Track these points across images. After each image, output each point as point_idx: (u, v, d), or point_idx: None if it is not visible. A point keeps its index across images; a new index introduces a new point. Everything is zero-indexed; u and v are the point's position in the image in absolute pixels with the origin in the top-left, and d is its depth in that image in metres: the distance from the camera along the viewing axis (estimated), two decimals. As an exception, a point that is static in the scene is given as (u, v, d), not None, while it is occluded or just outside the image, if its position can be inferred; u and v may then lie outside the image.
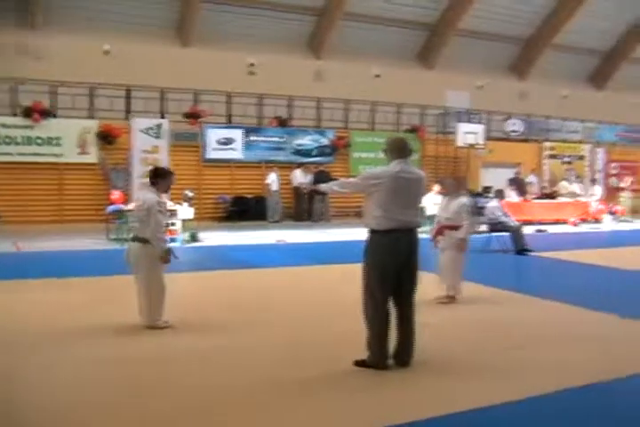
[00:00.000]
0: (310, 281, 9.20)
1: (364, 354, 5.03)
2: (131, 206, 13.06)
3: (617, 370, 4.97)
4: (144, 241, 6.10)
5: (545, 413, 4.21)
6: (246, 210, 18.41)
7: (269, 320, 6.59)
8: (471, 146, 20.82)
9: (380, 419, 4.02)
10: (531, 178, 22.25)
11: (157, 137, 16.96)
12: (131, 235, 6.57)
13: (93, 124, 16.91)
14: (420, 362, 5.11)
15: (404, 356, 5.12)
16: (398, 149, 5.20)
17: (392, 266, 5.01)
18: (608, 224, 19.79)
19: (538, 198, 20.38)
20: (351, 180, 5.46)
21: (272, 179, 18.34)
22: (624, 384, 4.73)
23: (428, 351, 5.25)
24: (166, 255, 6.13)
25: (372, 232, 5.07)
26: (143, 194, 6.35)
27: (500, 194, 13.59)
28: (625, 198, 22.25)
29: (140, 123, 17.01)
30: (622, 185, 23.05)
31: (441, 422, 4.02)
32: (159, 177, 6.25)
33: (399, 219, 5.01)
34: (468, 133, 20.82)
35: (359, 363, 5.04)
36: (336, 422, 4.02)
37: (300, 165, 19.08)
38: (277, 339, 5.89)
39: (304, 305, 7.40)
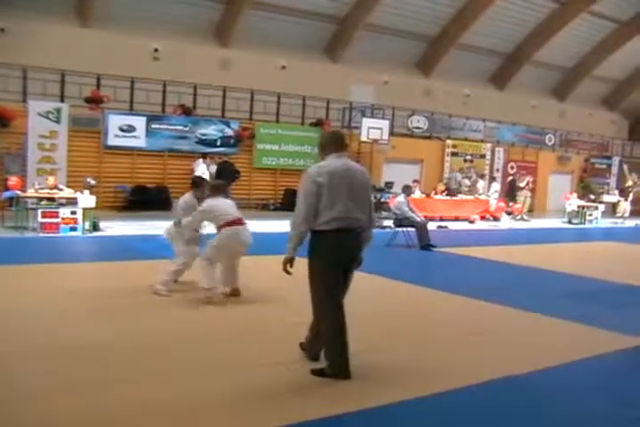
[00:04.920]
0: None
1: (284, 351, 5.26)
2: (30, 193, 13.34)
3: (530, 363, 5.46)
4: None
5: (473, 404, 4.60)
6: (147, 199, 18.68)
7: (202, 314, 6.91)
8: (375, 141, 21.83)
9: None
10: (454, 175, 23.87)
11: (57, 121, 17.06)
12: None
13: (-14, 106, 16.78)
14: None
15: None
16: (335, 143, 5.02)
17: (340, 267, 4.89)
18: (506, 222, 21.27)
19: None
20: (297, 206, 4.88)
21: (202, 170, 18.35)
22: (539, 378, 5.18)
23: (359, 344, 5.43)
24: None
25: (317, 232, 4.84)
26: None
27: (407, 190, 14.31)
28: (523, 198, 23.78)
29: (37, 106, 17.06)
30: (520, 185, 24.59)
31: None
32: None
33: (340, 217, 4.80)
34: (373, 128, 21.79)
35: (317, 373, 4.89)
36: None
37: (203, 155, 19.53)
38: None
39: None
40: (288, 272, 4.84)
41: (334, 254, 4.83)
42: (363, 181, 4.99)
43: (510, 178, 25.18)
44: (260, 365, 5.17)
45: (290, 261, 4.84)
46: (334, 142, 5.02)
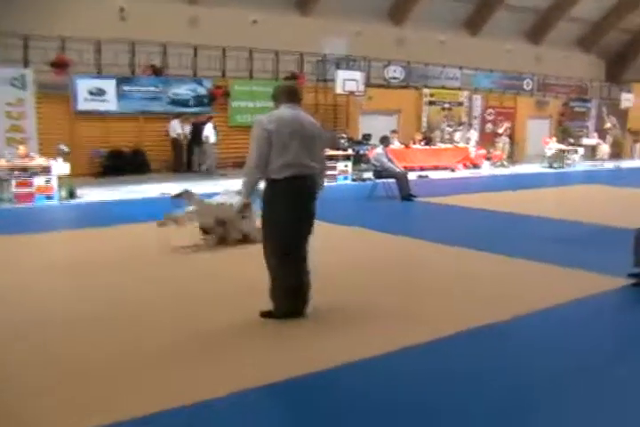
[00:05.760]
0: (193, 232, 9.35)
1: (267, 304, 5.22)
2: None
3: (519, 308, 5.57)
4: None
5: (454, 353, 4.65)
6: (123, 164, 18.44)
7: (161, 274, 6.92)
8: (351, 93, 21.57)
9: (291, 369, 4.23)
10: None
11: (22, 88, 16.61)
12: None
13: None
14: (320, 309, 5.38)
15: (302, 305, 5.27)
16: (286, 94, 5.22)
17: (293, 213, 5.07)
18: (486, 169, 21.31)
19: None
20: (249, 154, 5.08)
21: (209, 131, 18.53)
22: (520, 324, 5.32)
23: (326, 297, 5.58)
24: None
25: (272, 181, 5.04)
26: None
27: (385, 140, 14.25)
28: (501, 144, 23.90)
29: (1, 73, 16.55)
30: (499, 131, 24.66)
31: (356, 368, 4.32)
32: None
33: (291, 164, 4.98)
34: (348, 80, 21.49)
35: (265, 314, 5.21)
36: (246, 375, 4.18)
37: (177, 116, 19.25)
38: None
39: (191, 256, 7.77)
40: (244, 216, 5.42)
41: (289, 201, 5.05)
42: (312, 131, 5.17)
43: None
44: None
45: (245, 206, 5.32)
46: (285, 94, 5.24)
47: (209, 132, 18.58)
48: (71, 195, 13.54)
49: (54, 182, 13.03)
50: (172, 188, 14.82)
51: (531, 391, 4.01)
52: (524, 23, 32.18)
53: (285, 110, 5.11)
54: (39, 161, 13.37)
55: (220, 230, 8.05)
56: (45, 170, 13.05)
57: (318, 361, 4.38)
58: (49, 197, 12.90)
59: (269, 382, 4.06)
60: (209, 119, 19.01)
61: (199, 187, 15.65)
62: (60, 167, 13.23)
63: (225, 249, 8.01)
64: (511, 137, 25.29)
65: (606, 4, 32.72)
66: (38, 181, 12.81)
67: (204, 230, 8.55)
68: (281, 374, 4.15)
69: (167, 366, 4.35)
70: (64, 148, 13.84)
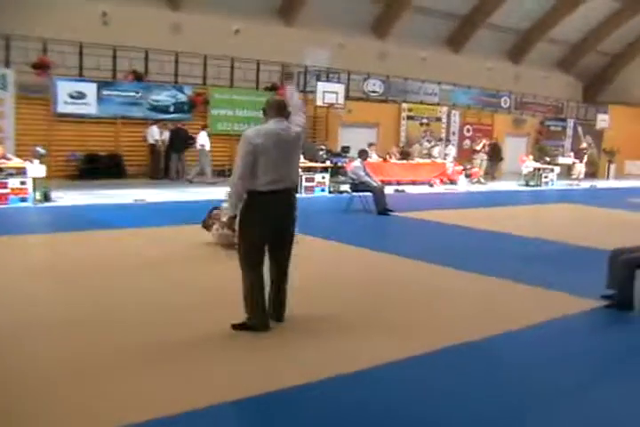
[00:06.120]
0: (168, 241, 9.30)
1: (241, 317, 5.16)
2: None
3: (492, 328, 5.52)
4: None
5: (433, 369, 4.59)
6: (100, 168, 18.33)
7: (134, 284, 6.78)
8: (330, 105, 21.61)
9: (267, 383, 4.16)
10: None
11: (2, 88, 16.48)
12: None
13: None
14: (296, 322, 5.35)
15: (279, 311, 5.36)
16: (276, 108, 5.24)
17: (270, 227, 5.13)
18: (463, 186, 21.40)
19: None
20: (236, 166, 5.15)
21: (204, 139, 18.65)
22: (498, 341, 5.27)
23: (302, 310, 5.56)
24: None
25: (251, 193, 5.07)
26: None
27: (363, 154, 14.27)
28: (479, 161, 24.02)
29: (-19, 72, 16.43)
30: (476, 148, 24.76)
31: (334, 382, 4.24)
32: None
33: (278, 179, 5.08)
34: (328, 93, 21.56)
35: (237, 326, 5.14)
36: (217, 388, 4.09)
37: (156, 122, 19.18)
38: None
39: (165, 266, 7.60)
40: (233, 230, 5.24)
41: (267, 214, 5.08)
42: (295, 142, 5.27)
43: (492, 142, 25.45)
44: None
45: (233, 219, 5.14)
46: (276, 108, 5.25)
47: (204, 140, 18.70)
48: (46, 197, 13.36)
49: (29, 184, 12.87)
50: (146, 194, 14.79)
51: (512, 415, 4.01)
52: (505, 42, 32.62)
53: (273, 125, 5.16)
54: (15, 162, 13.21)
55: (229, 237, 7.97)
56: (21, 171, 12.90)
57: (300, 374, 4.33)
58: (23, 199, 12.75)
59: (250, 395, 3.99)
60: (203, 128, 19.17)
61: (169, 194, 15.84)
62: (36, 169, 13.06)
63: (222, 257, 8.00)
64: (493, 153, 25.27)
65: (585, 27, 33.21)
66: (13, 182, 12.66)
67: (206, 227, 8.69)
68: (259, 388, 4.07)
69: (151, 373, 4.31)
70: (40, 150, 13.67)
